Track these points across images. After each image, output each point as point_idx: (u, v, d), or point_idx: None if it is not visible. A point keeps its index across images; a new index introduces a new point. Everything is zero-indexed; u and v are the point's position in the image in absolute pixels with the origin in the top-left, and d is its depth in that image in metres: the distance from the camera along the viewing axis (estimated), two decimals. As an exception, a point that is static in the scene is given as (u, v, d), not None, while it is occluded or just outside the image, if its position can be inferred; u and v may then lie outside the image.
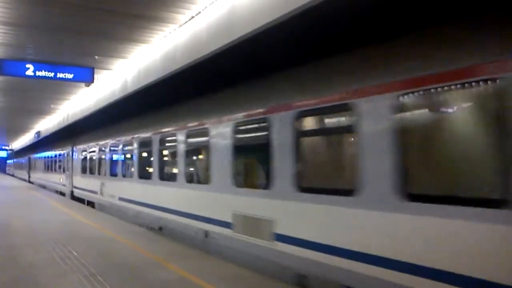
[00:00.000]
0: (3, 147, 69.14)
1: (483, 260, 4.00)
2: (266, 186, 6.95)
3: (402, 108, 4.88)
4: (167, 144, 11.07)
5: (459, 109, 4.71)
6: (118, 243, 9.09)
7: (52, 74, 12.96)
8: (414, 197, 4.64)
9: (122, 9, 8.85)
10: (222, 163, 8.18)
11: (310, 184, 6.19)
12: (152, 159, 11.68)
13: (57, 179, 26.40)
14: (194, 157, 10.08)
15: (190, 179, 9.70)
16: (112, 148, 15.51)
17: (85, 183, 19.27)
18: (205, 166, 8.99)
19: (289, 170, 6.43)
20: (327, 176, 6.43)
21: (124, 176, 14.17)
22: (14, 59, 12.60)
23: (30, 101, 21.24)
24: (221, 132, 8.32)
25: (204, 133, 8.89)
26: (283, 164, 6.57)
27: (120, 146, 14.51)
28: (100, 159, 16.97)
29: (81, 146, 20.08)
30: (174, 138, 10.34)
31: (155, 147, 11.45)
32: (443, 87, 4.48)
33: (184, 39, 9.72)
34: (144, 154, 12.55)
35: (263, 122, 7.11)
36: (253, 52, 8.66)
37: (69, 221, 12.66)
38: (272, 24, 6.74)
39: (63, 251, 8.20)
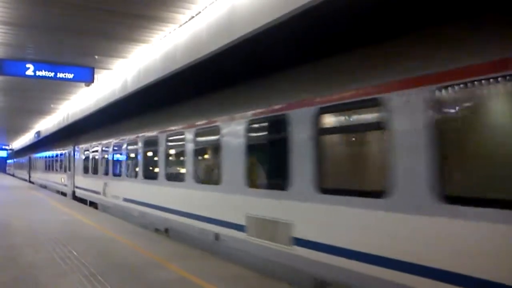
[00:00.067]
0: (3, 147, 69.14)
1: None
2: (284, 187, 6.54)
3: (440, 103, 4.48)
4: (174, 143, 10.69)
5: (505, 102, 4.25)
6: (119, 243, 9.09)
7: (52, 74, 12.95)
8: (454, 200, 4.26)
9: (122, 9, 8.85)
10: (234, 163, 7.81)
11: (333, 185, 5.82)
12: (158, 158, 11.29)
13: (58, 179, 26.13)
14: (204, 157, 9.70)
15: (199, 179, 9.30)
16: (115, 148, 15.10)
17: (87, 183, 18.89)
18: (216, 166, 8.64)
19: (310, 170, 6.05)
20: (353, 177, 6.00)
21: (128, 176, 13.77)
22: (14, 59, 12.60)
23: (30, 101, 21.24)
24: (233, 130, 7.93)
25: (215, 131, 8.51)
26: (302, 163, 6.19)
27: (124, 146, 14.10)
28: (103, 159, 16.61)
29: (83, 146, 19.72)
30: (181, 136, 9.98)
31: (162, 146, 11.07)
32: (488, 78, 4.10)
33: (184, 39, 9.72)
34: (150, 154, 12.18)
35: (281, 119, 6.70)
36: (253, 52, 8.64)
37: (69, 221, 12.66)
38: (272, 24, 6.74)
39: (63, 251, 8.20)
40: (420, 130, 4.61)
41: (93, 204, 17.80)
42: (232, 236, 7.78)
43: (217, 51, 8.42)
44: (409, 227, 4.67)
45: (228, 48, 8.12)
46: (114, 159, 15.42)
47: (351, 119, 5.94)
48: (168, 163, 10.95)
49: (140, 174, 12.57)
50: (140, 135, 12.66)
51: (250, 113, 7.51)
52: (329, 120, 6.06)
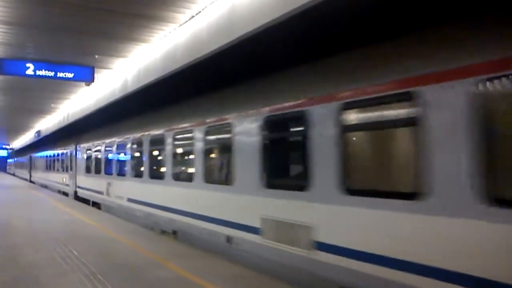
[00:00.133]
0: (4, 146, 69.19)
1: None
2: (304, 187, 6.17)
3: (485, 96, 4.12)
4: (182, 142, 10.33)
5: None
6: (119, 243, 9.10)
7: (52, 73, 12.95)
8: (501, 202, 3.93)
9: (122, 8, 8.85)
10: (248, 162, 7.43)
11: (359, 186, 5.45)
12: (164, 158, 10.91)
13: (60, 179, 25.90)
14: (214, 156, 9.24)
15: (209, 179, 8.91)
16: (119, 147, 14.77)
17: (90, 183, 18.58)
18: (228, 165, 8.26)
19: (333, 170, 5.67)
20: (383, 177, 5.58)
21: (133, 176, 13.31)
22: (14, 58, 12.60)
23: (30, 101, 21.24)
24: (247, 127, 7.53)
25: (226, 129, 8.14)
26: (325, 163, 5.81)
27: (129, 145, 13.72)
28: (106, 158, 16.26)
29: (85, 145, 19.39)
30: (190, 135, 9.59)
31: (168, 145, 10.71)
32: None
33: (184, 39, 9.72)
34: (155, 153, 11.83)
35: (300, 116, 6.31)
36: (253, 51, 8.63)
37: (69, 220, 12.67)
38: (272, 24, 6.73)
39: (64, 251, 8.21)
40: (462, 126, 4.24)
41: (96, 205, 17.59)
42: (245, 239, 7.43)
43: (217, 51, 8.42)
44: (449, 231, 4.30)
45: (228, 47, 8.12)
46: (118, 158, 15.08)
47: (379, 115, 5.46)
48: (175, 163, 10.59)
49: (146, 173, 12.19)
50: (146, 133, 12.30)
51: (266, 109, 7.13)
52: (355, 116, 5.65)
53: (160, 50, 11.10)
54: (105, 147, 16.31)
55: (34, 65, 12.68)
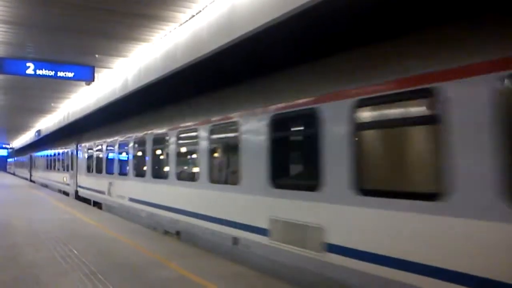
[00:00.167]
0: (4, 146, 69.21)
1: None
2: (314, 187, 5.96)
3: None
4: (186, 141, 10.14)
5: None
6: (119, 242, 9.11)
7: (52, 73, 12.96)
8: None
9: (122, 8, 8.85)
10: (255, 162, 7.21)
11: (373, 186, 5.24)
12: (168, 157, 10.71)
13: (61, 178, 25.74)
14: (219, 155, 9.06)
15: (214, 178, 8.72)
16: (121, 146, 14.52)
17: (91, 183, 18.40)
18: (234, 165, 8.04)
19: (346, 170, 5.46)
20: (400, 177, 5.35)
21: (135, 175, 13.10)
22: (14, 58, 12.61)
23: (30, 100, 21.25)
24: (254, 126, 7.32)
25: (233, 127, 7.93)
26: (337, 162, 5.60)
27: (131, 144, 13.50)
28: (108, 157, 16.09)
29: (87, 144, 19.21)
30: (194, 134, 9.39)
31: (172, 144, 10.50)
32: None
33: (184, 38, 9.72)
34: (159, 152, 11.65)
35: (311, 113, 6.10)
36: (253, 50, 8.63)
37: (70, 220, 12.68)
38: (271, 24, 6.74)
39: (64, 250, 8.22)
40: (486, 124, 4.05)
41: (96, 204, 17.47)
42: (253, 241, 7.22)
43: (218, 50, 8.43)
44: (471, 233, 4.10)
45: (228, 47, 8.12)
46: (120, 157, 14.88)
47: (397, 112, 5.25)
48: (179, 162, 10.38)
49: (148, 173, 11.99)
50: (148, 132, 12.07)
51: (273, 107, 6.92)
52: (371, 113, 5.44)
53: (160, 50, 11.11)
54: (107, 146, 16.15)
55: (34, 64, 12.69)
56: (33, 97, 20.17)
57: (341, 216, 5.55)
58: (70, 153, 22.95)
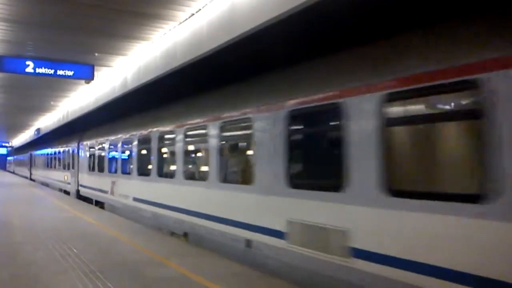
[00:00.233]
0: (3, 144, 69.17)
1: None
2: (338, 188, 5.57)
3: None
4: (194, 139, 9.77)
5: None
6: (119, 241, 9.10)
7: (52, 71, 12.93)
8: None
9: (122, 6, 8.83)
10: (271, 160, 6.83)
11: (406, 187, 4.88)
12: (175, 155, 10.28)
13: (61, 177, 25.30)
14: (231, 153, 8.65)
15: (225, 178, 8.32)
16: (125, 144, 14.14)
17: (93, 182, 18.03)
18: (247, 164, 7.69)
19: (374, 169, 5.06)
20: (437, 177, 4.93)
21: (140, 174, 12.67)
22: (14, 56, 12.58)
23: (30, 98, 21.21)
24: (270, 122, 6.92)
25: (246, 124, 7.53)
26: (364, 161, 5.22)
27: (135, 142, 13.06)
28: (111, 156, 15.74)
29: (89, 142, 18.88)
30: (203, 131, 8.98)
31: (179, 142, 10.06)
32: None
33: (184, 37, 9.70)
34: (165, 150, 11.30)
35: (333, 108, 5.71)
36: (254, 49, 8.60)
37: (70, 218, 12.67)
38: (272, 22, 6.72)
39: (64, 249, 8.21)
40: None
41: (98, 204, 17.20)
42: (268, 244, 6.84)
43: (218, 48, 8.41)
44: None
45: (228, 45, 8.11)
46: (124, 156, 14.53)
47: (433, 106, 4.85)
48: (186, 160, 9.98)
49: (154, 172, 11.57)
50: (154, 130, 11.66)
51: (291, 102, 6.52)
52: (402, 107, 5.08)
53: (160, 48, 11.09)
54: (110, 144, 15.80)
55: (34, 63, 12.66)
56: (33, 95, 20.14)
57: (369, 219, 5.13)
58: (71, 151, 22.66)
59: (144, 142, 12.41)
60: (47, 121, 30.29)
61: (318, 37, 7.77)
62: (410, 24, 5.25)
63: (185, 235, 9.75)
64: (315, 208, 5.97)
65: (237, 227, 7.68)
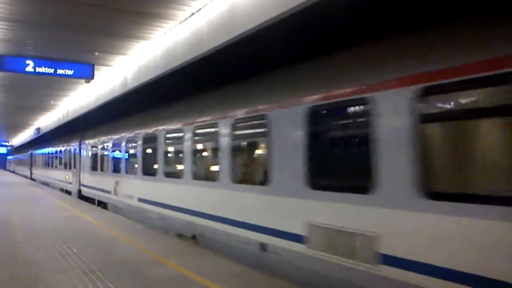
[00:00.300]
0: (3, 143, 69.18)
1: None
2: (365, 189, 5.20)
3: None
4: (204, 137, 9.41)
5: None
6: (119, 241, 9.09)
7: (52, 71, 12.93)
8: None
9: (122, 5, 8.83)
10: (288, 160, 6.50)
11: (447, 189, 4.49)
12: (183, 154, 9.92)
13: (63, 177, 24.91)
14: (244, 152, 8.29)
15: (237, 178, 7.95)
16: (129, 143, 13.75)
17: (95, 182, 17.64)
18: (262, 163, 7.34)
19: (408, 169, 4.70)
20: (480, 178, 4.44)
21: (145, 174, 12.30)
22: (14, 55, 12.58)
23: (30, 98, 21.21)
24: (287, 119, 6.60)
25: (260, 121, 7.21)
26: (396, 160, 4.86)
27: (140, 141, 12.68)
28: (114, 155, 15.33)
29: (91, 141, 18.53)
30: (214, 129, 8.61)
31: (188, 140, 9.71)
32: None
33: (184, 36, 9.70)
34: (172, 149, 10.94)
35: (361, 104, 5.41)
36: (254, 48, 8.58)
37: (70, 218, 12.67)
38: (272, 21, 6.71)
39: (64, 248, 8.21)
40: None
41: (101, 204, 16.88)
42: (285, 248, 6.50)
43: (218, 48, 8.40)
44: None
45: (229, 44, 8.10)
46: (128, 155, 14.13)
47: (477, 101, 4.42)
48: (196, 160, 9.60)
49: (160, 171, 11.18)
50: (160, 128, 11.30)
51: (311, 97, 6.17)
52: (441, 102, 4.71)
53: (160, 48, 11.08)
54: (113, 143, 15.42)
55: (34, 62, 12.67)
56: (33, 94, 20.13)
57: (402, 223, 4.76)
58: (72, 150, 22.42)
59: (150, 140, 12.02)
60: (47, 120, 30.28)
61: (319, 36, 7.75)
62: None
63: (194, 237, 9.43)
64: (339, 211, 5.60)
65: (250, 230, 7.34)
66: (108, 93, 15.88)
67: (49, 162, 30.94)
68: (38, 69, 12.75)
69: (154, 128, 11.75)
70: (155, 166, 11.52)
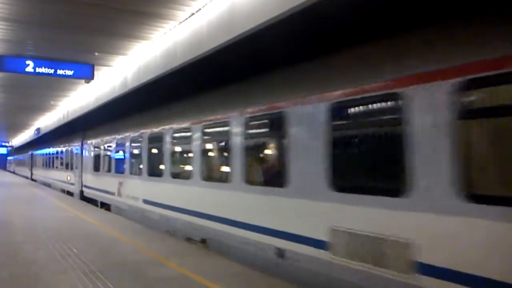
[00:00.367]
0: (3, 144, 69.17)
1: None
2: (399, 192, 4.83)
3: None
4: (214, 136, 9.08)
5: None
6: (119, 241, 9.09)
7: (52, 71, 12.92)
8: None
9: (122, 5, 8.82)
10: (309, 160, 6.15)
11: (493, 191, 4.13)
12: (191, 154, 9.56)
13: (64, 177, 24.50)
14: (259, 152, 7.89)
15: (251, 179, 7.57)
16: (133, 143, 13.42)
17: (98, 182, 17.28)
18: (278, 163, 7.01)
19: (449, 170, 4.33)
20: None
21: (151, 174, 11.96)
22: (14, 56, 12.58)
23: (30, 98, 21.20)
24: (308, 116, 6.23)
25: (278, 119, 6.83)
26: (435, 160, 4.50)
27: (145, 140, 12.34)
28: (118, 155, 15.00)
29: (94, 141, 18.18)
30: (225, 128, 8.27)
31: (197, 140, 9.36)
32: None
33: (184, 36, 9.70)
34: (179, 149, 10.60)
35: (392, 99, 5.08)
36: (254, 48, 8.57)
37: (70, 218, 12.67)
38: (272, 22, 6.71)
39: (64, 249, 8.21)
40: None
41: (104, 205, 16.58)
42: (305, 254, 6.13)
43: (218, 48, 8.40)
44: None
45: (228, 45, 8.10)
46: (132, 155, 13.77)
47: None
48: (205, 160, 9.22)
49: (167, 172, 10.84)
50: (167, 127, 10.93)
51: (335, 93, 5.80)
52: (487, 96, 4.31)
53: (160, 48, 11.08)
54: (117, 143, 15.10)
55: (34, 62, 12.66)
56: (33, 95, 20.12)
57: (442, 230, 4.39)
58: (74, 150, 22.06)
59: (156, 140, 11.70)
60: (47, 120, 30.27)
61: (317, 36, 7.75)
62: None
63: (203, 241, 9.04)
64: (368, 215, 5.22)
65: (266, 234, 6.98)
66: (108, 93, 15.87)
67: (50, 162, 30.68)
68: (38, 70, 12.74)
69: (161, 127, 11.39)
70: (162, 167, 11.20)
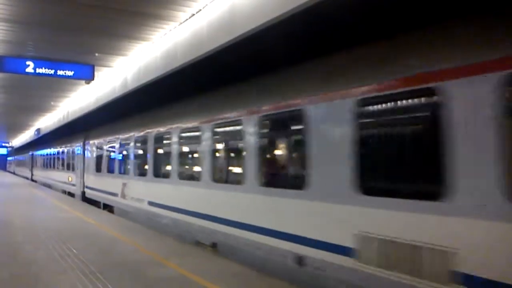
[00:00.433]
0: (3, 144, 69.17)
1: None
2: (436, 195, 4.44)
3: None
4: (225, 136, 8.78)
5: None
6: (119, 241, 9.09)
7: (52, 71, 12.92)
8: None
9: (122, 6, 8.83)
10: (332, 161, 5.76)
11: None
12: (201, 155, 9.20)
13: (65, 178, 24.09)
14: (274, 152, 7.60)
15: (266, 181, 7.20)
16: (138, 143, 13.10)
17: (100, 183, 16.86)
18: (296, 165, 6.73)
19: (493, 169, 3.99)
20: None
21: (157, 176, 11.57)
22: (14, 56, 12.59)
23: (30, 99, 21.23)
24: (330, 114, 5.86)
25: (296, 117, 6.46)
26: (475, 159, 4.16)
27: (151, 141, 11.95)
28: (121, 156, 14.65)
29: (96, 141, 17.83)
30: (237, 128, 7.90)
31: (206, 140, 8.99)
32: None
33: (184, 37, 9.71)
34: (187, 149, 10.24)
35: (426, 95, 4.73)
36: (255, 49, 8.57)
37: (70, 219, 12.66)
38: (273, 22, 6.72)
39: (63, 249, 8.21)
40: None
41: (107, 207, 16.19)
42: (328, 261, 5.73)
43: (218, 49, 8.41)
44: None
45: (229, 45, 8.11)
46: (137, 156, 13.43)
47: None
48: (215, 161, 8.87)
49: (174, 173, 10.43)
50: (174, 126, 10.52)
51: (360, 89, 5.43)
52: None
53: (160, 48, 11.09)
54: (120, 143, 14.68)
55: (34, 63, 12.66)
56: (33, 95, 20.15)
57: (489, 237, 4.00)
58: (76, 151, 21.80)
59: (162, 140, 11.35)
60: (47, 121, 30.29)
61: (317, 37, 7.76)
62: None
63: (214, 245, 8.63)
64: (401, 221, 4.82)
65: (283, 240, 6.57)
66: (109, 94, 15.88)
67: (50, 163, 30.45)
68: (38, 70, 12.75)
69: (168, 127, 10.97)
70: (169, 168, 10.79)
